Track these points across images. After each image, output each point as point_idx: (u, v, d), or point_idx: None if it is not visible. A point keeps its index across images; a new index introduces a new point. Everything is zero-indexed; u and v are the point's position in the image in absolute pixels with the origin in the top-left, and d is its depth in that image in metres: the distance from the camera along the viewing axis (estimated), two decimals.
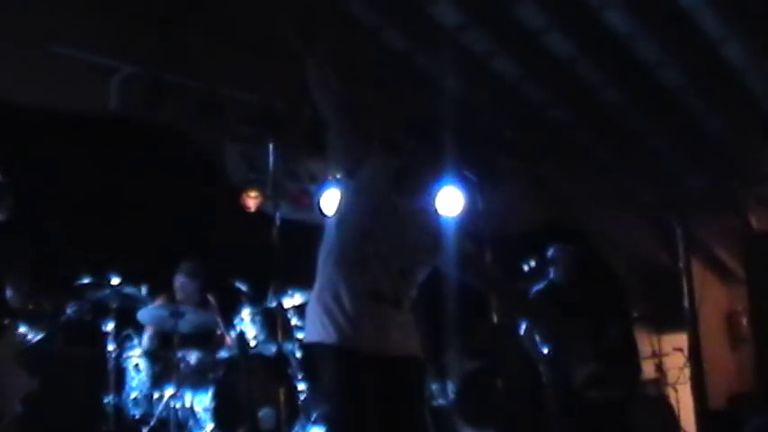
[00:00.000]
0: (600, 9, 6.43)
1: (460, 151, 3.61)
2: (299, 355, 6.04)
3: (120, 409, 5.67)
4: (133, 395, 5.73)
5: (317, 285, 3.40)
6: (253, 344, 6.04)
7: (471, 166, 6.31)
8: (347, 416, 3.21)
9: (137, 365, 5.81)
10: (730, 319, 9.90)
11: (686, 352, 8.23)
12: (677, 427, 7.29)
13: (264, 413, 5.57)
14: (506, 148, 8.08)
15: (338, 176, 6.23)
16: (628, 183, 8.70)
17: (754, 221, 8.93)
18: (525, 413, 6.23)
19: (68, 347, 5.70)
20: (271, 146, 6.01)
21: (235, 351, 5.91)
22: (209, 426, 5.57)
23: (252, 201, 6.85)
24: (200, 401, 5.65)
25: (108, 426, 5.55)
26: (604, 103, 7.61)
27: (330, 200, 6.55)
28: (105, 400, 5.59)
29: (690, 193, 8.61)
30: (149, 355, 5.86)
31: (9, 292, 4.70)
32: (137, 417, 5.67)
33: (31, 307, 4.86)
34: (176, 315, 5.77)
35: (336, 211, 3.48)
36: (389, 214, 3.35)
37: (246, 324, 6.10)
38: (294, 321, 6.19)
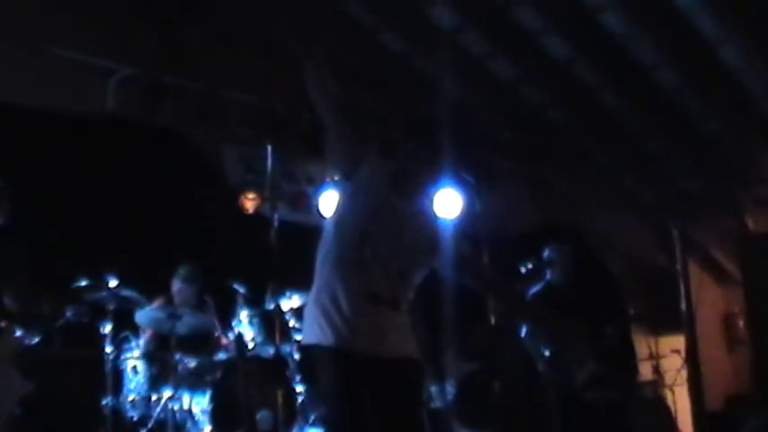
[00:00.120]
0: (597, 11, 6.44)
1: (458, 153, 3.62)
2: (296, 356, 6.04)
3: (117, 411, 5.66)
4: (131, 397, 5.73)
5: (314, 287, 3.40)
6: (250, 346, 6.04)
7: (469, 168, 6.31)
8: (345, 418, 3.21)
9: (134, 367, 5.81)
10: (727, 321, 9.90)
11: (683, 353, 8.21)
12: (674, 429, 7.29)
13: (262, 415, 5.57)
14: (504, 149, 8.09)
15: (336, 178, 6.26)
16: (625, 184, 8.71)
17: (751, 223, 8.93)
18: (523, 415, 6.23)
19: (66, 350, 5.70)
20: (269, 148, 6.01)
21: (232, 353, 5.92)
22: (207, 428, 5.57)
23: (250, 202, 6.84)
24: (198, 403, 5.66)
25: (106, 428, 5.55)
26: (602, 104, 7.61)
27: (328, 201, 6.55)
28: (103, 402, 5.59)
29: (687, 194, 8.61)
30: (147, 357, 5.86)
31: (6, 295, 4.70)
32: (134, 419, 5.67)
33: (28, 309, 4.85)
34: (174, 317, 5.78)
35: (334, 213, 3.48)
36: (387, 216, 3.35)
37: (244, 326, 6.10)
38: (292, 323, 6.19)
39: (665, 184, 8.64)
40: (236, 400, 5.55)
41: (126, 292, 5.70)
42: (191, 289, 6.21)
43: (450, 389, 6.72)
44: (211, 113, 6.37)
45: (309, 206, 6.99)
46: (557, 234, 6.96)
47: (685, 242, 8.70)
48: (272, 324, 5.98)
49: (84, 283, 5.54)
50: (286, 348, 6.03)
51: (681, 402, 8.02)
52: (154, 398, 5.68)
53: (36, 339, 4.87)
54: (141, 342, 6.00)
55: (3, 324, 4.67)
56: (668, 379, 8.09)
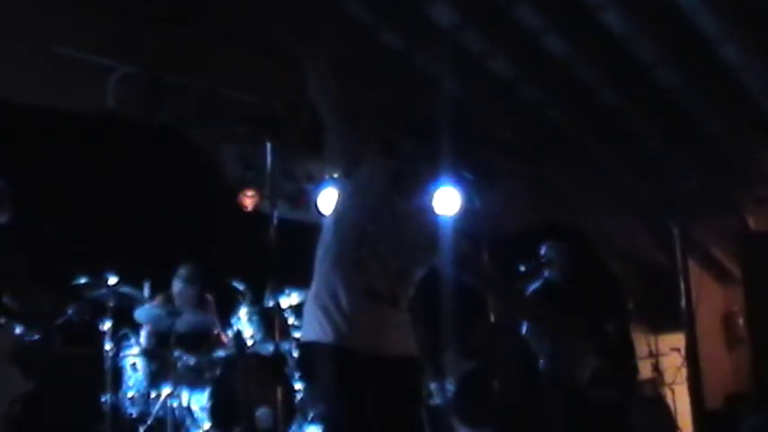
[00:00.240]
0: (597, 9, 6.44)
1: (458, 151, 3.62)
2: (296, 354, 6.04)
3: (117, 408, 5.67)
4: (130, 394, 5.73)
5: (314, 285, 3.40)
6: (250, 343, 6.04)
7: (468, 167, 6.31)
8: (344, 415, 3.21)
9: (134, 364, 5.81)
10: (727, 320, 9.91)
11: (683, 352, 8.23)
12: (674, 427, 7.30)
13: (261, 412, 5.57)
14: (503, 148, 8.09)
15: (336, 176, 6.26)
16: (625, 183, 8.71)
17: (751, 222, 8.94)
18: (522, 413, 6.24)
19: (65, 347, 5.70)
20: (268, 145, 6.00)
21: (232, 350, 5.92)
22: (206, 425, 5.58)
23: (249, 200, 6.85)
24: (198, 400, 5.66)
25: (105, 425, 5.55)
26: (601, 103, 7.62)
27: (327, 199, 6.55)
28: (102, 399, 5.59)
29: (687, 193, 8.62)
30: (146, 354, 5.87)
31: (6, 292, 4.70)
32: (134, 416, 5.68)
33: (27, 307, 4.86)
34: (173, 314, 5.78)
35: (334, 211, 3.48)
36: (387, 214, 3.35)
37: (243, 323, 6.10)
38: (291, 320, 6.20)
39: (665, 182, 8.64)
40: (235, 397, 5.55)
41: (125, 290, 5.70)
42: (191, 290, 6.21)
43: (449, 386, 6.72)
44: (211, 112, 6.38)
45: (309, 204, 6.99)
46: (556, 232, 6.96)
47: (685, 241, 8.72)
48: (271, 321, 5.99)
49: (83, 281, 5.54)
50: (285, 346, 6.04)
51: (680, 401, 8.03)
52: (153, 395, 5.69)
53: (36, 337, 4.87)
54: (142, 339, 6.01)
55: (2, 321, 4.67)
56: (668, 377, 8.10)
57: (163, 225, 6.67)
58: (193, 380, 5.74)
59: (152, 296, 5.99)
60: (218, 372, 5.75)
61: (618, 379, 5.98)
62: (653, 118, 7.77)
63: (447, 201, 6.29)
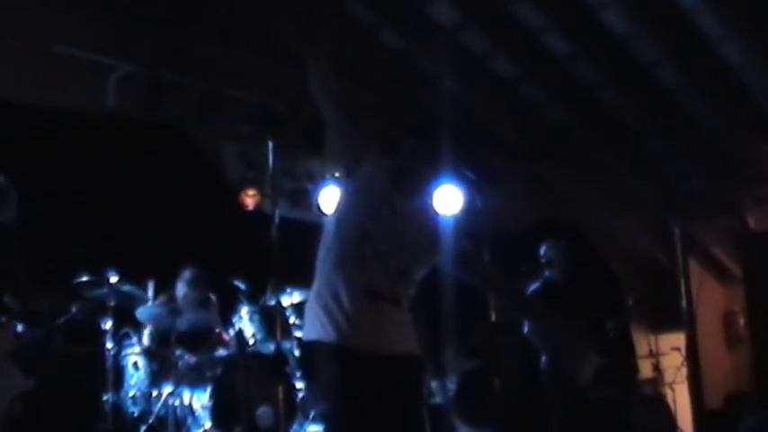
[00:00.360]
0: (598, 8, 6.44)
1: (458, 150, 3.62)
2: (297, 353, 6.04)
3: (118, 406, 5.67)
4: (131, 393, 5.73)
5: (315, 284, 3.40)
6: (251, 342, 6.05)
7: (469, 166, 6.31)
8: (345, 414, 3.21)
9: (135, 363, 5.81)
10: (727, 319, 9.91)
11: (683, 351, 8.24)
12: (674, 427, 7.30)
13: (262, 411, 5.57)
14: (505, 147, 8.09)
15: (337, 175, 6.25)
16: (625, 182, 8.71)
17: (751, 221, 8.94)
18: (523, 412, 6.24)
19: (66, 345, 5.70)
20: (269, 144, 6.00)
21: (233, 349, 5.92)
22: (207, 424, 5.58)
23: (250, 199, 6.84)
24: (199, 399, 5.66)
25: (106, 424, 5.56)
26: (602, 102, 7.62)
27: (329, 199, 6.55)
28: (103, 398, 5.60)
29: (687, 192, 8.62)
30: (148, 352, 5.87)
31: (6, 291, 4.70)
32: (135, 415, 5.68)
33: (28, 306, 4.85)
34: (174, 313, 5.78)
35: (335, 210, 3.48)
36: (388, 213, 3.35)
37: (245, 322, 6.10)
38: (292, 320, 6.20)
39: (666, 182, 8.64)
40: (236, 396, 5.55)
41: (126, 289, 5.71)
42: (196, 293, 6.22)
43: (450, 385, 6.73)
44: (212, 111, 6.38)
45: (310, 203, 6.99)
46: (556, 231, 6.96)
47: (686, 240, 8.73)
48: (272, 320, 5.99)
49: (84, 279, 5.54)
50: (286, 345, 6.04)
51: (681, 400, 8.04)
52: (154, 394, 5.69)
53: (37, 336, 4.87)
54: (144, 337, 6.01)
55: (3, 320, 4.67)
56: (668, 377, 8.11)
57: (163, 224, 6.67)
58: (194, 379, 5.74)
59: (155, 296, 5.99)
60: (219, 371, 5.75)
61: (619, 378, 5.98)
62: (654, 117, 7.77)
63: (448, 200, 6.29)
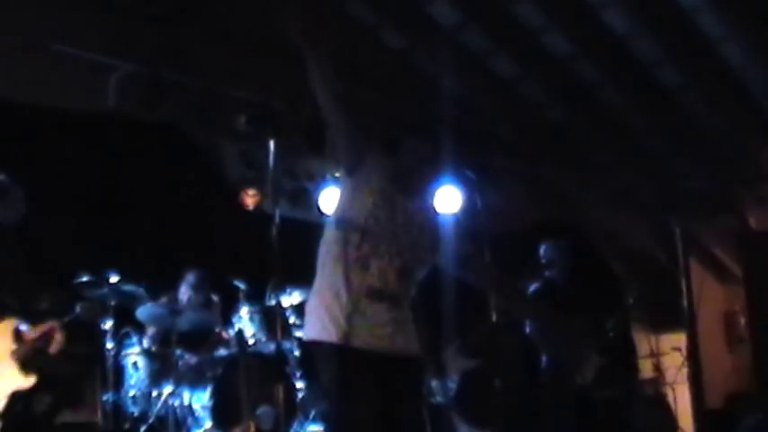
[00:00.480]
0: (598, 8, 6.44)
1: (458, 150, 3.62)
2: (297, 353, 6.04)
3: (118, 406, 5.68)
4: (132, 393, 5.74)
5: (316, 284, 3.40)
6: (251, 342, 6.05)
7: (470, 165, 6.31)
8: (346, 414, 3.21)
9: (135, 363, 5.81)
10: (728, 319, 9.90)
11: (684, 351, 8.23)
12: (675, 427, 7.30)
13: (263, 411, 5.58)
14: (505, 146, 8.09)
15: (337, 175, 6.25)
16: (626, 182, 8.71)
17: (752, 221, 8.92)
18: (523, 412, 6.23)
19: (67, 345, 5.69)
20: (270, 144, 5.99)
21: (233, 349, 5.92)
22: (208, 424, 5.58)
23: (250, 199, 6.84)
24: (199, 399, 5.66)
25: (106, 423, 5.55)
26: (603, 102, 7.61)
27: (329, 198, 6.55)
28: (104, 398, 5.59)
29: (688, 192, 8.61)
30: (148, 352, 5.86)
31: (6, 291, 4.70)
32: (135, 414, 5.69)
33: (28, 305, 4.85)
34: (175, 313, 5.78)
35: (336, 210, 3.48)
36: (389, 213, 3.35)
37: (245, 322, 6.11)
38: (293, 320, 6.20)
39: (667, 181, 8.64)
40: (236, 396, 5.55)
41: (127, 288, 5.70)
42: (200, 296, 6.23)
43: (451, 385, 6.72)
44: (212, 110, 6.37)
45: (310, 203, 6.99)
46: (556, 231, 6.95)
47: (686, 240, 8.71)
48: (272, 320, 5.99)
49: (85, 279, 5.54)
50: (287, 345, 6.04)
51: (681, 400, 8.04)
52: (154, 394, 5.69)
53: (37, 335, 4.86)
54: (146, 338, 6.01)
55: (3, 320, 4.67)
56: (669, 377, 8.11)
57: (164, 224, 6.67)
58: (195, 379, 5.74)
59: (157, 297, 5.99)
60: (219, 371, 5.75)
61: (619, 378, 5.98)
62: (654, 117, 7.76)
63: (449, 199, 6.28)
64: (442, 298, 5.83)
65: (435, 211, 3.59)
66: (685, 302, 8.48)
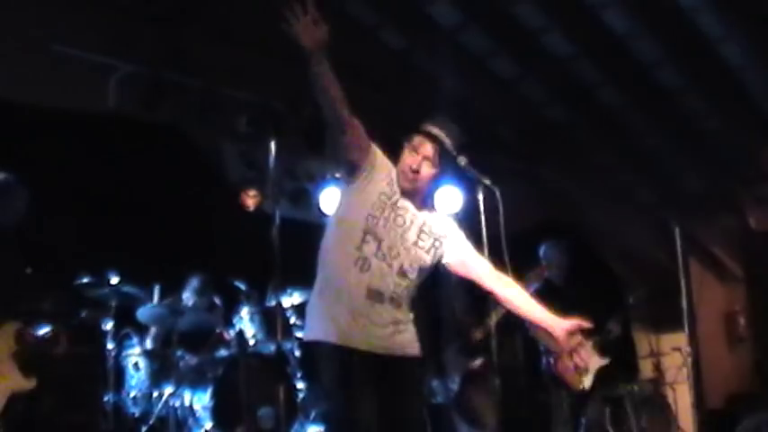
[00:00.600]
0: (598, 9, 6.43)
1: (459, 150, 3.62)
2: (297, 353, 6.04)
3: (119, 407, 5.68)
4: (132, 394, 5.74)
5: (316, 284, 3.41)
6: (252, 342, 6.05)
7: (470, 165, 6.30)
8: (346, 414, 3.21)
9: (136, 364, 5.81)
10: (728, 319, 9.90)
11: (684, 351, 8.23)
12: (675, 427, 7.29)
13: (263, 412, 5.58)
14: (505, 146, 8.08)
15: (338, 176, 6.24)
16: (626, 182, 8.71)
17: (752, 221, 8.94)
18: (524, 411, 6.23)
19: (67, 346, 5.69)
20: (271, 144, 6.00)
21: (234, 350, 5.92)
22: (208, 424, 5.58)
23: (251, 200, 6.84)
24: (200, 400, 5.66)
25: (107, 424, 5.55)
26: (603, 102, 7.61)
27: (330, 199, 6.54)
28: (104, 399, 5.59)
29: (688, 192, 8.62)
30: (148, 353, 5.86)
31: (7, 291, 4.70)
32: (136, 415, 5.68)
33: (29, 305, 4.85)
34: (175, 313, 5.78)
35: (336, 211, 3.49)
36: (389, 214, 3.35)
37: (245, 323, 6.11)
38: (293, 320, 6.20)
39: (667, 182, 8.64)
40: (237, 396, 5.55)
41: (127, 289, 5.70)
42: (203, 300, 6.23)
43: (451, 385, 6.72)
44: (212, 111, 6.37)
45: (311, 204, 6.99)
46: (556, 231, 6.96)
47: (686, 240, 8.70)
48: (273, 321, 5.98)
49: (85, 280, 5.54)
50: (287, 345, 6.04)
51: (681, 400, 8.01)
52: (155, 394, 5.69)
53: (37, 335, 4.86)
54: (148, 339, 6.00)
55: (3, 320, 4.67)
56: (669, 377, 8.10)
57: (164, 224, 6.66)
58: (195, 379, 5.74)
59: (161, 300, 5.98)
60: (220, 371, 5.75)
61: (619, 378, 5.98)
62: (654, 117, 7.76)
63: (448, 200, 6.28)
64: (442, 298, 5.83)
65: (436, 211, 3.59)
66: (685, 302, 8.48)
